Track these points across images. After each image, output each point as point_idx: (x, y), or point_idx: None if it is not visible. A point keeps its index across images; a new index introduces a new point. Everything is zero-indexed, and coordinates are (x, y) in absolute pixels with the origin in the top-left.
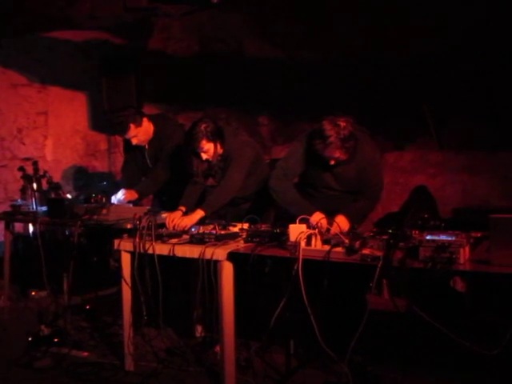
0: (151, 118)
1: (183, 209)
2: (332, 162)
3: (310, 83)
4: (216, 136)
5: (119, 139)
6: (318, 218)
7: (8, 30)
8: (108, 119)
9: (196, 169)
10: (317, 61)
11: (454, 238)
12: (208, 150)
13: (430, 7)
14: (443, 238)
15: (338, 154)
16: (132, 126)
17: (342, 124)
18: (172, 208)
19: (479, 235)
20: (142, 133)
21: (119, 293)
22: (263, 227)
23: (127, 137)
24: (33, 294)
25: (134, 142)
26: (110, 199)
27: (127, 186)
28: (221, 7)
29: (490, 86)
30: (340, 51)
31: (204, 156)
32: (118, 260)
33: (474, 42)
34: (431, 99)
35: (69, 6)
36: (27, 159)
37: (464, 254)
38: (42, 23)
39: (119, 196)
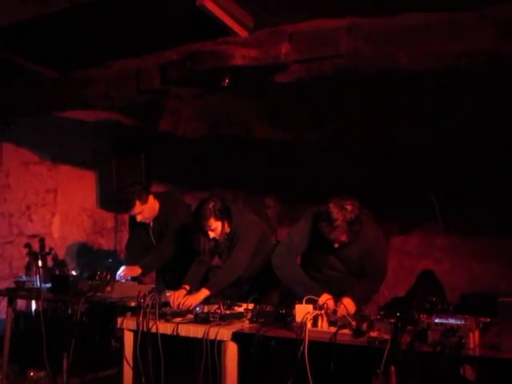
0: (157, 196)
1: (187, 287)
2: (336, 245)
3: (316, 166)
4: (224, 214)
5: (126, 217)
6: (325, 298)
7: (22, 109)
8: (114, 195)
9: (203, 247)
10: (323, 144)
11: (463, 322)
12: (215, 228)
13: (431, 96)
14: (452, 321)
15: (343, 238)
16: (137, 202)
17: (349, 207)
18: (175, 286)
19: (488, 320)
20: (147, 210)
21: (120, 374)
22: (268, 307)
23: (132, 213)
24: (31, 374)
25: (139, 218)
26: (114, 276)
27: (130, 263)
28: (230, 90)
29: (495, 172)
30: (346, 136)
31: (211, 234)
32: (120, 339)
33: (477, 129)
34: (436, 184)
35: (83, 87)
36: (34, 236)
37: (474, 339)
38: (56, 103)
39: (119, 272)
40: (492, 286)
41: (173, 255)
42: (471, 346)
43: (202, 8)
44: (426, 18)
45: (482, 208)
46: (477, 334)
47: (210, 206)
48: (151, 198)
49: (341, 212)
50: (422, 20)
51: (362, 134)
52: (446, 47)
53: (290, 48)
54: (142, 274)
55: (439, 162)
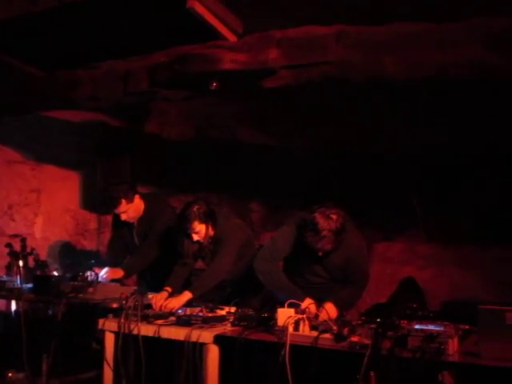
0: (143, 197)
1: (169, 289)
2: (320, 254)
3: (301, 171)
4: (208, 218)
5: (109, 219)
6: (307, 303)
7: (8, 108)
8: (101, 193)
9: (186, 250)
10: (308, 150)
11: (442, 329)
12: (200, 231)
13: (418, 104)
14: (432, 327)
15: (329, 247)
16: (123, 201)
17: (334, 216)
18: (157, 289)
19: (467, 328)
20: (132, 209)
21: (100, 376)
22: (251, 311)
23: (117, 211)
24: (9, 375)
25: (123, 217)
26: (97, 278)
27: (112, 264)
28: (218, 94)
29: (478, 181)
30: (330, 142)
31: (195, 237)
32: (101, 341)
33: (462, 136)
34: (420, 191)
35: (70, 87)
36: (16, 236)
37: (453, 345)
38: (42, 103)
39: (102, 274)
40: (472, 293)
41: (156, 256)
42: (450, 352)
43: (192, 11)
44: (414, 28)
45: (464, 217)
46: (456, 340)
47: (195, 208)
48: (137, 198)
49: (327, 222)
50: (410, 29)
51: (347, 141)
52: (432, 56)
53: (279, 53)
54: (125, 276)
55: (423, 169)
